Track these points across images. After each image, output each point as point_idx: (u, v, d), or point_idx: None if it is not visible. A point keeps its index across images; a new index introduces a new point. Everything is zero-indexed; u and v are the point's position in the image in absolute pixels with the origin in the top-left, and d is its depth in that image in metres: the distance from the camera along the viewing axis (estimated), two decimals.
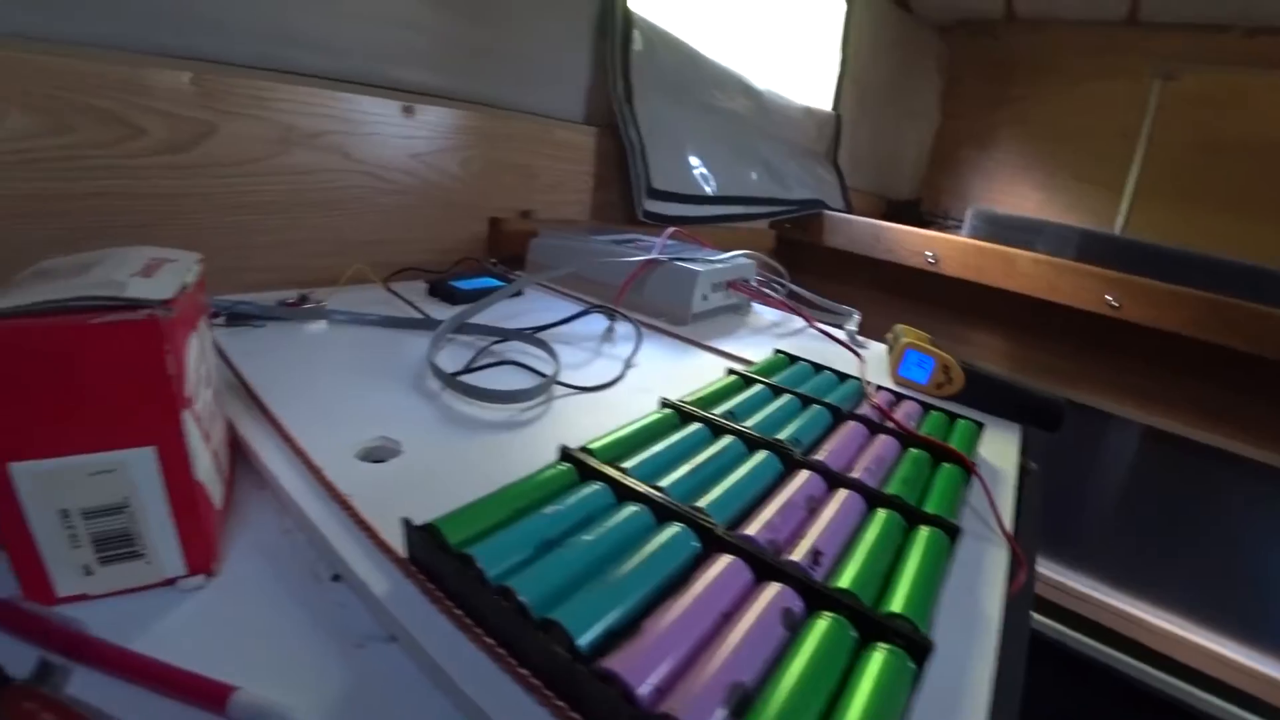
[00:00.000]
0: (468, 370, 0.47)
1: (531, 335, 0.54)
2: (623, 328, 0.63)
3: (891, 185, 2.18)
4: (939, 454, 0.41)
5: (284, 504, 0.32)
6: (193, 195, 0.59)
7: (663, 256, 0.70)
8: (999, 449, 0.48)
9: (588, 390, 0.47)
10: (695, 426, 0.39)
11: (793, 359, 0.56)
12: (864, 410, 0.46)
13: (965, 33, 2.10)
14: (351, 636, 0.25)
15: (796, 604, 0.26)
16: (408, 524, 0.27)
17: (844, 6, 1.57)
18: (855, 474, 0.36)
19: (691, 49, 1.12)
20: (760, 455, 0.36)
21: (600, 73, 0.96)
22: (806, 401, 0.46)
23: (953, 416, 0.50)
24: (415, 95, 0.74)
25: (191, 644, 0.24)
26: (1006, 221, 1.41)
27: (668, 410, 0.41)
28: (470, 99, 0.80)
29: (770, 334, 0.71)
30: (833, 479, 0.36)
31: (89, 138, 0.53)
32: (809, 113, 1.46)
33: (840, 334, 0.70)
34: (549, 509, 0.29)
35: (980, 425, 0.49)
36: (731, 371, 0.50)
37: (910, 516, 0.34)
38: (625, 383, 0.50)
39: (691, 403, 0.42)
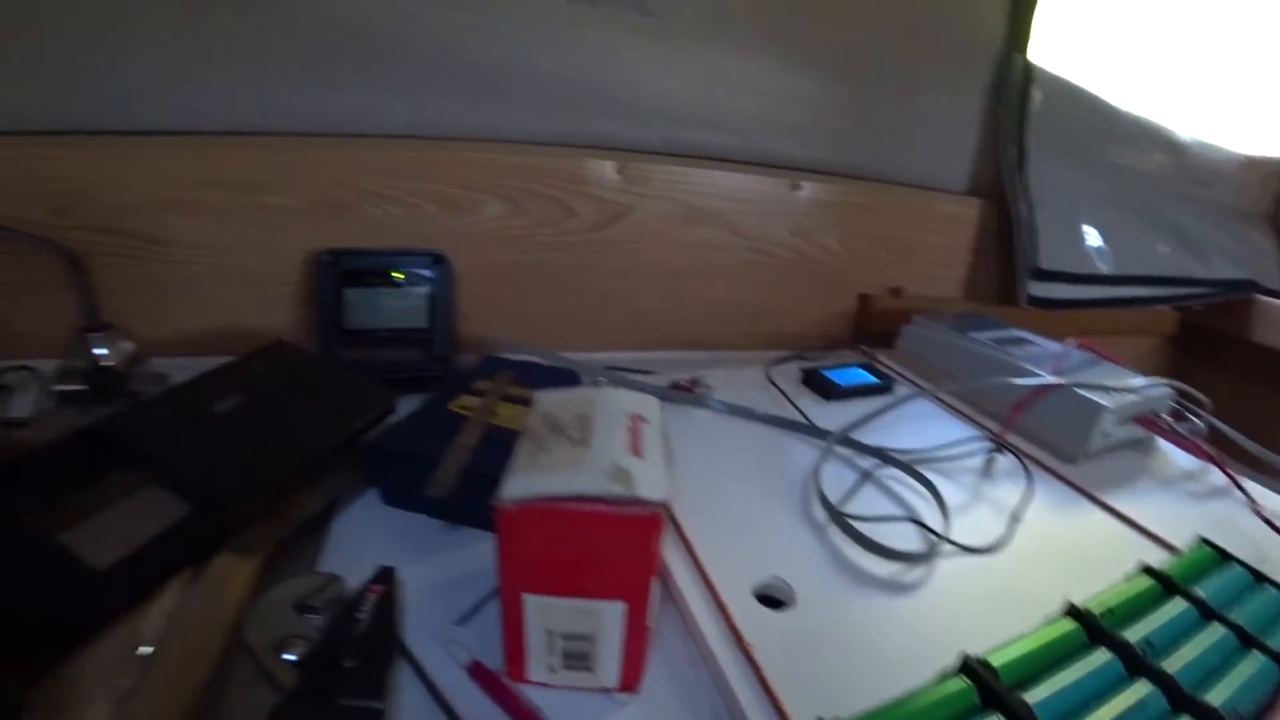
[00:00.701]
0: (849, 507, 0.47)
1: (911, 468, 0.51)
2: (1006, 461, 0.57)
3: None
4: None
5: (692, 632, 0.35)
6: (603, 266, 0.69)
7: (1062, 380, 0.61)
8: None
9: (976, 552, 0.43)
10: (1107, 657, 0.34)
11: (1224, 556, 0.44)
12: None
13: None
14: None
15: None
16: None
17: None
18: None
19: (1098, 99, 0.96)
20: None
21: (989, 138, 0.87)
22: (1247, 641, 0.36)
23: None
24: (800, 171, 0.76)
25: None
26: None
27: (1074, 624, 0.36)
28: (853, 172, 0.79)
29: (1181, 492, 0.57)
30: None
31: (539, 218, 0.65)
32: (1250, 164, 1.14)
33: None
34: None
35: None
36: (1147, 571, 0.41)
37: None
38: (1013, 546, 0.45)
39: (1100, 613, 0.36)
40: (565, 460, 0.29)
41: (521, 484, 0.28)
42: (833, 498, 0.46)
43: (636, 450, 0.30)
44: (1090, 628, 0.36)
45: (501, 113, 0.64)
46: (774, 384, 0.63)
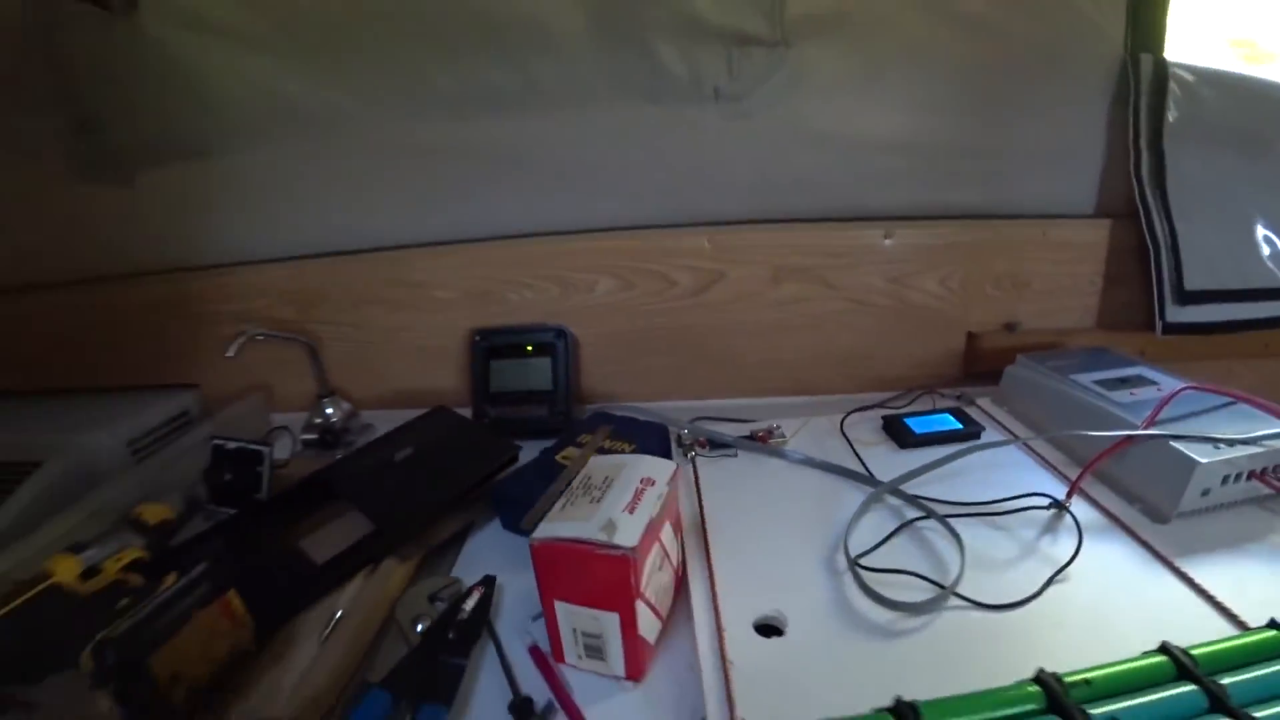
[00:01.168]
0: (879, 554, 0.54)
1: (944, 519, 0.56)
2: (1083, 512, 0.58)
3: None
4: None
5: (695, 643, 0.46)
6: (705, 326, 0.81)
7: (1145, 430, 0.60)
8: None
9: (987, 608, 0.47)
10: None
11: None
12: None
13: None
14: None
15: None
16: None
17: None
18: None
19: (1273, 85, 0.85)
20: None
21: (1118, 151, 0.83)
22: None
23: None
24: (895, 220, 0.81)
25: (608, 712, 0.42)
26: None
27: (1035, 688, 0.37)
28: (952, 213, 0.82)
29: None
30: None
31: (645, 290, 0.79)
32: None
33: None
34: None
35: None
36: (1163, 649, 0.39)
37: None
38: (1044, 600, 0.48)
39: (1072, 683, 0.37)
40: (580, 514, 0.43)
41: (547, 528, 0.42)
42: (866, 544, 0.53)
43: (631, 509, 0.43)
44: (1049, 692, 0.37)
45: (607, 205, 0.80)
46: (843, 432, 0.70)
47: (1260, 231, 0.89)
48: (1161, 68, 0.83)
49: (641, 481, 0.45)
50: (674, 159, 0.80)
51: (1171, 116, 0.85)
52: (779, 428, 0.71)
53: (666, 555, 0.46)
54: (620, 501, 0.43)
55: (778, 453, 0.67)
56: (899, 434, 0.70)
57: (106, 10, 0.70)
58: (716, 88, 0.77)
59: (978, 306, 0.84)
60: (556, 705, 0.43)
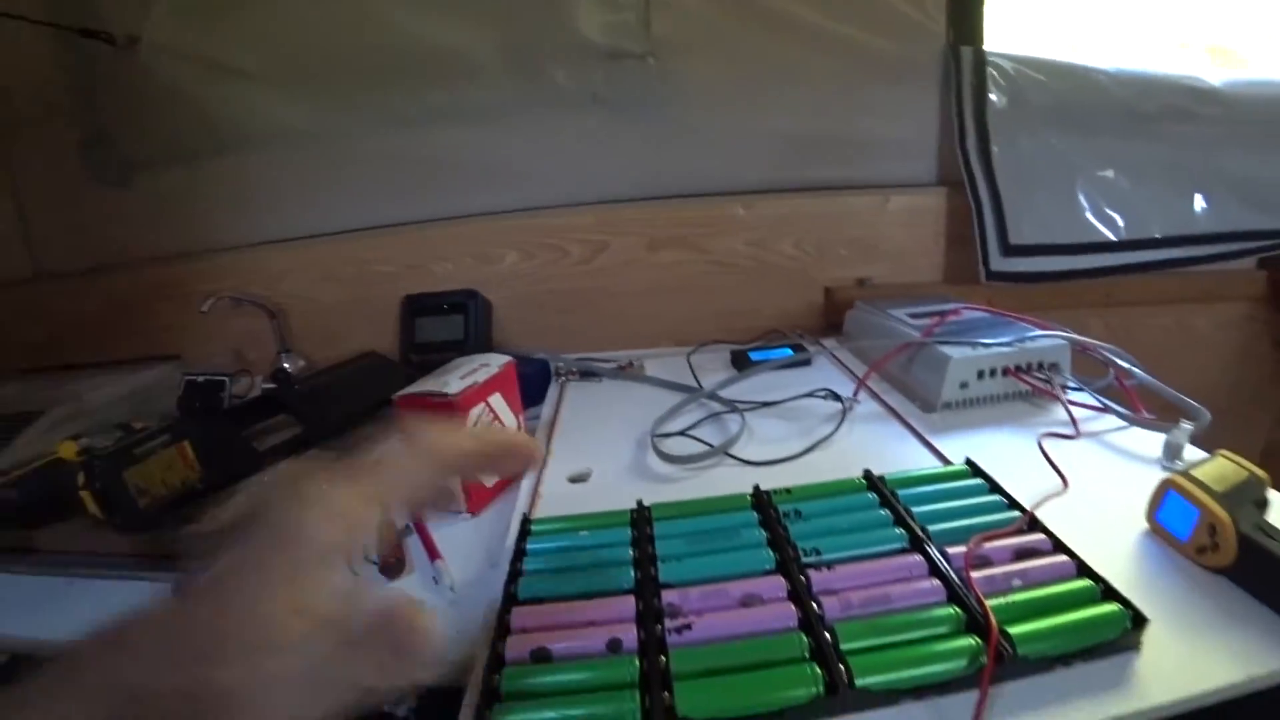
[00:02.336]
0: (678, 435, 0.72)
1: (733, 405, 0.74)
2: (867, 408, 0.75)
3: None
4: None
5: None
6: (595, 288, 1.00)
7: (925, 339, 0.77)
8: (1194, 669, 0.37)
9: (753, 464, 0.64)
10: (747, 515, 0.50)
11: (976, 472, 0.55)
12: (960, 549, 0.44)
13: None
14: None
15: None
16: None
17: None
18: (829, 600, 0.40)
19: (1085, 69, 1.02)
20: (764, 552, 0.46)
21: (949, 130, 1.02)
22: (899, 521, 0.47)
23: (1119, 603, 0.38)
24: (755, 194, 1.00)
25: (450, 535, 0.58)
26: None
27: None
28: (804, 186, 1.01)
29: (1036, 433, 0.64)
30: (798, 590, 0.40)
31: (543, 260, 0.98)
32: None
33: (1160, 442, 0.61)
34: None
35: (1139, 621, 0.37)
36: (866, 475, 0.55)
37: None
38: (804, 462, 0.64)
39: (774, 491, 0.53)
40: (431, 382, 0.61)
41: (405, 391, 0.61)
42: (676, 430, 0.71)
43: (463, 378, 0.61)
44: (757, 498, 0.52)
45: (515, 193, 1.00)
46: (688, 361, 0.88)
47: (1082, 193, 1.06)
48: (980, 57, 1.02)
49: (479, 366, 0.64)
50: (568, 154, 1.00)
51: (994, 97, 1.03)
52: (640, 361, 0.89)
53: (499, 418, 0.64)
54: (458, 374, 0.62)
55: (633, 378, 0.85)
56: (739, 363, 0.87)
57: (112, 45, 0.93)
58: (594, 94, 0.98)
59: (832, 265, 1.02)
60: (412, 528, 0.61)
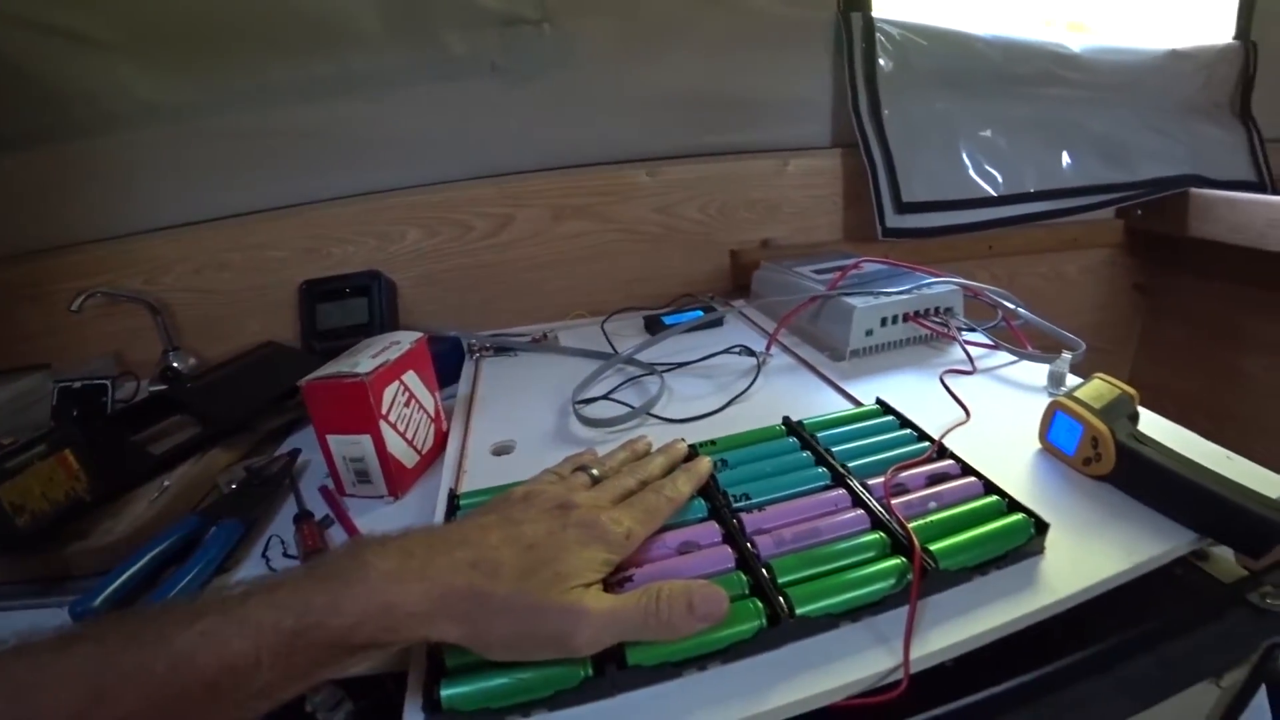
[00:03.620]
0: (599, 401, 0.72)
1: (653, 369, 0.75)
2: (780, 361, 0.78)
3: None
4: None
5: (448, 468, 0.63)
6: (503, 262, 0.99)
7: (830, 291, 0.80)
8: (1089, 564, 0.42)
9: (673, 421, 0.66)
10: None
11: (886, 410, 0.59)
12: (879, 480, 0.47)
13: None
14: None
15: None
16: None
17: None
18: (762, 539, 0.42)
19: (963, 35, 1.09)
20: (696, 501, 0.47)
21: (842, 95, 1.05)
22: (821, 461, 0.50)
23: (1023, 513, 0.42)
24: (660, 160, 1.01)
25: (373, 521, 0.57)
26: None
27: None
28: (706, 151, 1.03)
29: (938, 372, 0.70)
30: (732, 533, 0.43)
31: (447, 236, 0.96)
32: (1177, 56, 1.18)
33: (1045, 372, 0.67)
34: None
35: (1041, 528, 0.42)
36: (785, 421, 0.58)
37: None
38: (724, 416, 0.66)
39: (700, 444, 0.55)
40: (340, 364, 0.59)
41: (313, 375, 0.58)
42: (597, 395, 0.72)
43: (375, 356, 0.59)
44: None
45: (414, 167, 0.97)
46: (604, 333, 0.89)
47: (965, 152, 1.13)
48: (870, 23, 1.06)
49: (390, 344, 0.62)
50: (467, 125, 0.97)
51: (883, 62, 1.08)
52: (554, 333, 0.89)
53: (415, 397, 0.63)
54: (368, 354, 0.60)
55: (548, 349, 0.85)
56: (653, 327, 0.89)
57: None
58: (493, 62, 0.95)
59: (737, 228, 1.05)
60: (334, 518, 0.59)
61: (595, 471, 0.47)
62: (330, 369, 0.58)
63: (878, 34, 1.06)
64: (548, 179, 0.98)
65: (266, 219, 0.95)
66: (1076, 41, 1.16)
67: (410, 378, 0.63)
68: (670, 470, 0.49)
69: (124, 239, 0.93)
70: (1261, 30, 1.25)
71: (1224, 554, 0.49)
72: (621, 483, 0.45)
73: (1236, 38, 1.26)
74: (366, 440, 0.58)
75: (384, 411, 0.58)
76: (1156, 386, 1.34)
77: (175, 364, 0.89)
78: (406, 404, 0.62)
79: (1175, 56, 1.20)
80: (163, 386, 0.86)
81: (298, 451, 0.68)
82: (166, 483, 0.64)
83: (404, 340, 0.64)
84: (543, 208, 0.98)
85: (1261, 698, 0.51)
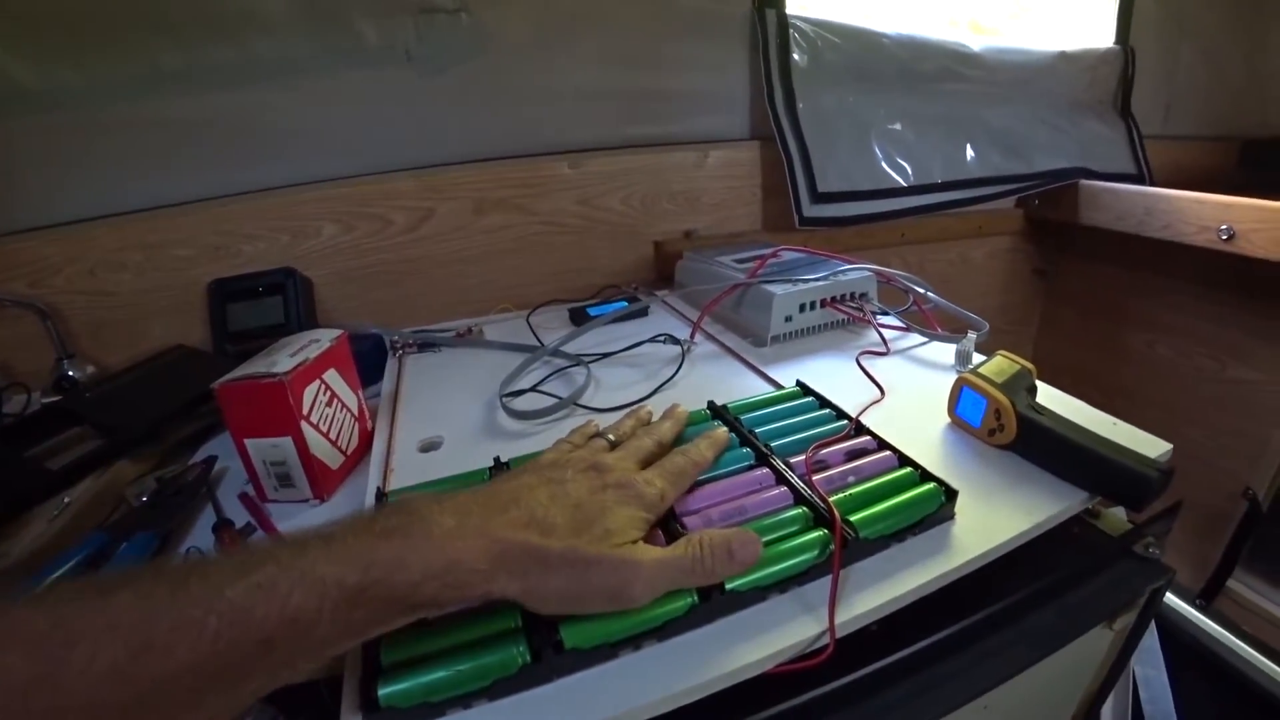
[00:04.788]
0: (527, 393, 0.73)
1: (579, 360, 0.76)
2: (704, 348, 0.80)
3: (1257, 119, 1.65)
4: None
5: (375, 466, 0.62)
6: (424, 257, 0.97)
7: (750, 279, 0.83)
8: (995, 526, 0.46)
9: (602, 411, 0.67)
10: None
11: (806, 392, 0.62)
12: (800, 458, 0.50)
13: None
14: None
15: None
16: None
17: None
18: (691, 519, 0.44)
19: (872, 33, 1.15)
20: None
21: (759, 89, 1.09)
22: (745, 442, 0.53)
23: (934, 482, 0.46)
24: (582, 152, 1.01)
25: (300, 525, 0.56)
26: None
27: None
28: (628, 144, 1.04)
29: (854, 354, 0.74)
30: (664, 520, 0.43)
31: (365, 231, 0.94)
32: (1065, 58, 1.28)
33: (953, 352, 0.72)
34: None
35: (951, 495, 0.46)
36: (710, 405, 0.60)
37: None
38: (651, 403, 0.69)
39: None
40: (256, 364, 0.57)
41: (227, 376, 0.56)
42: (525, 388, 0.72)
43: (293, 355, 0.58)
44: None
45: (327, 160, 0.94)
46: (529, 326, 0.89)
47: (877, 145, 1.18)
48: (783, 19, 1.09)
49: (309, 342, 0.61)
50: (383, 116, 0.95)
51: (796, 57, 1.11)
52: (479, 327, 0.89)
53: (337, 396, 0.62)
54: (287, 353, 0.58)
55: (474, 344, 0.85)
56: (578, 319, 0.89)
57: None
58: (407, 51, 0.93)
59: (660, 219, 1.07)
60: (255, 525, 0.58)
61: (612, 437, 0.50)
62: (246, 370, 0.56)
63: (791, 30, 1.10)
64: (468, 171, 0.97)
65: (168, 215, 0.90)
66: (977, 42, 1.24)
67: (332, 376, 0.62)
68: (678, 432, 0.52)
69: (3, 238, 0.87)
70: (1138, 36, 1.36)
71: (1116, 513, 0.55)
72: (640, 444, 0.47)
73: (1117, 42, 1.37)
74: (288, 442, 0.57)
75: (305, 412, 0.57)
76: (1055, 363, 1.45)
77: (71, 372, 0.84)
78: (329, 403, 0.61)
79: (1064, 58, 1.30)
80: (57, 397, 0.81)
81: (214, 458, 0.66)
82: (67, 499, 0.61)
83: (323, 338, 0.62)
84: (464, 201, 0.97)
85: (1152, 637, 0.58)
